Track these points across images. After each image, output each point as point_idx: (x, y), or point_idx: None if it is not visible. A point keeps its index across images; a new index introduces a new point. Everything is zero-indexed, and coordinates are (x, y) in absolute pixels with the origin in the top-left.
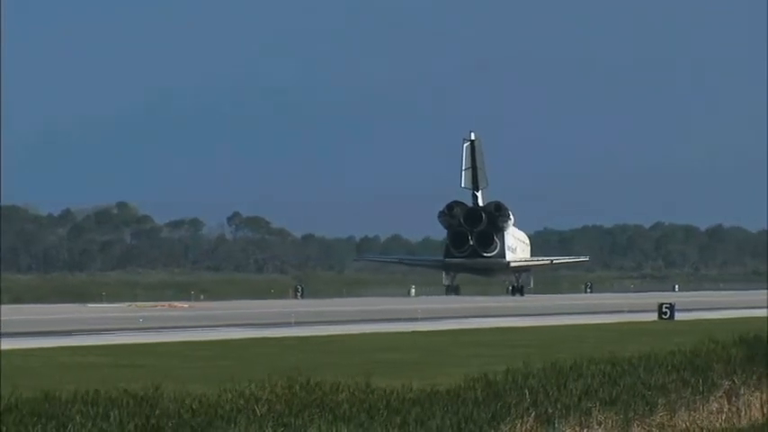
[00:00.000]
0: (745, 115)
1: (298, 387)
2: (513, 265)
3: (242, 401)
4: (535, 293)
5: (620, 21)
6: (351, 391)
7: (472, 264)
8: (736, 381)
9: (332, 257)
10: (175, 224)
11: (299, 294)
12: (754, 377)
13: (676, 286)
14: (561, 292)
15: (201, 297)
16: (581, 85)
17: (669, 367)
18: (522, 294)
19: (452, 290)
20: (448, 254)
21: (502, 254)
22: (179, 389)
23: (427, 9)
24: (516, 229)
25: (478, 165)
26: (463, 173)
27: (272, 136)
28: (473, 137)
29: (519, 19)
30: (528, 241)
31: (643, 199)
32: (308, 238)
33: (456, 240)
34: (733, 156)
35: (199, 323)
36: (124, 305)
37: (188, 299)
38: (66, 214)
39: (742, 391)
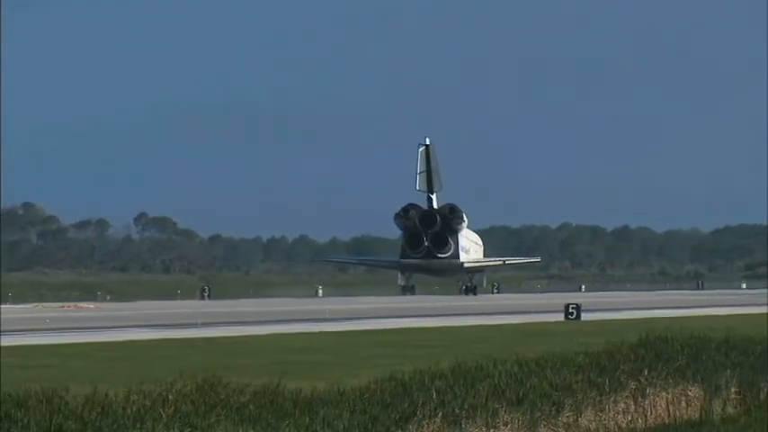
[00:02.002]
0: (652, 118)
1: (205, 388)
2: (466, 265)
3: (148, 402)
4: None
5: (564, 34)
6: (258, 391)
7: (427, 264)
8: (642, 381)
9: (239, 258)
10: (82, 224)
11: (205, 295)
12: (661, 377)
13: (583, 287)
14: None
15: (108, 298)
16: (508, 91)
17: (575, 368)
18: (474, 294)
19: (408, 290)
20: (404, 255)
21: (456, 255)
22: (85, 390)
23: (381, 16)
24: (470, 231)
25: (433, 168)
26: (418, 176)
27: (180, 136)
28: (428, 141)
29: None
30: (480, 242)
31: (549, 200)
32: (214, 238)
33: (411, 242)
34: (639, 157)
35: (105, 324)
36: (30, 306)
37: (94, 299)
38: None
39: (648, 391)
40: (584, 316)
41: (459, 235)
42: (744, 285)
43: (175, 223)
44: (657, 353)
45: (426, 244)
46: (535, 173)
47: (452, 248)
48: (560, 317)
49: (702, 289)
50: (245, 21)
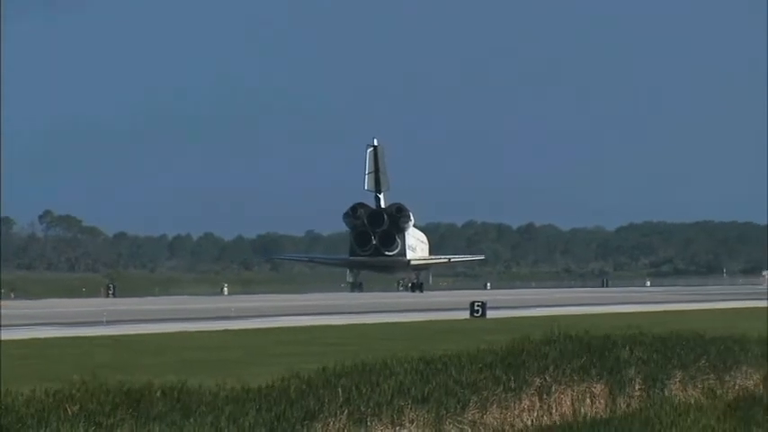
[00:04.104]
0: (558, 118)
1: (110, 386)
2: (413, 263)
3: (53, 400)
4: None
5: (503, 35)
6: (163, 389)
7: (375, 262)
8: (547, 378)
9: (144, 256)
10: None
11: (111, 293)
12: (566, 374)
13: (488, 284)
14: (373, 290)
15: (12, 296)
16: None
17: (481, 365)
18: (421, 291)
19: (356, 286)
20: (352, 253)
21: (403, 252)
22: None
23: (334, 22)
24: (416, 230)
25: (381, 169)
26: (366, 176)
27: (87, 134)
28: (376, 143)
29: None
30: (427, 241)
31: (456, 198)
32: (119, 236)
33: (360, 240)
34: (545, 155)
35: (9, 322)
36: None
37: None
38: None
39: (553, 389)
40: (490, 313)
41: (406, 233)
42: (648, 283)
43: (80, 221)
44: (562, 350)
45: (374, 242)
46: (440, 172)
47: (399, 246)
48: (466, 314)
49: (607, 287)
50: (169, 21)
